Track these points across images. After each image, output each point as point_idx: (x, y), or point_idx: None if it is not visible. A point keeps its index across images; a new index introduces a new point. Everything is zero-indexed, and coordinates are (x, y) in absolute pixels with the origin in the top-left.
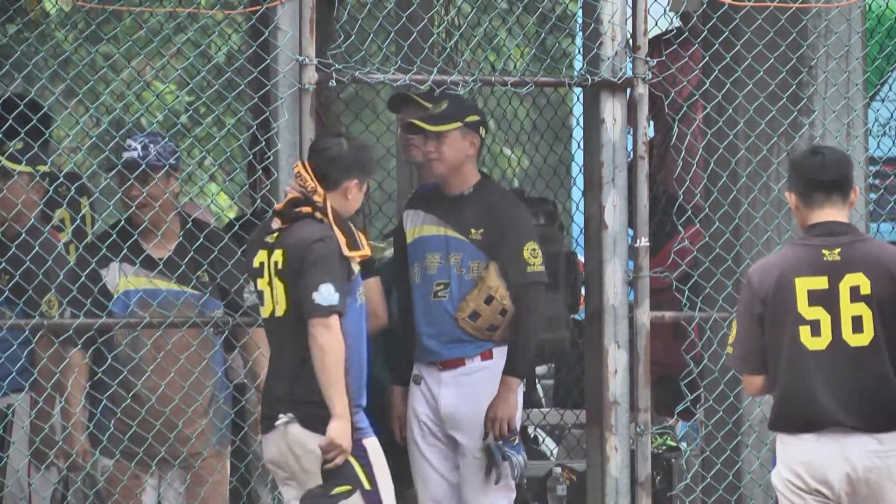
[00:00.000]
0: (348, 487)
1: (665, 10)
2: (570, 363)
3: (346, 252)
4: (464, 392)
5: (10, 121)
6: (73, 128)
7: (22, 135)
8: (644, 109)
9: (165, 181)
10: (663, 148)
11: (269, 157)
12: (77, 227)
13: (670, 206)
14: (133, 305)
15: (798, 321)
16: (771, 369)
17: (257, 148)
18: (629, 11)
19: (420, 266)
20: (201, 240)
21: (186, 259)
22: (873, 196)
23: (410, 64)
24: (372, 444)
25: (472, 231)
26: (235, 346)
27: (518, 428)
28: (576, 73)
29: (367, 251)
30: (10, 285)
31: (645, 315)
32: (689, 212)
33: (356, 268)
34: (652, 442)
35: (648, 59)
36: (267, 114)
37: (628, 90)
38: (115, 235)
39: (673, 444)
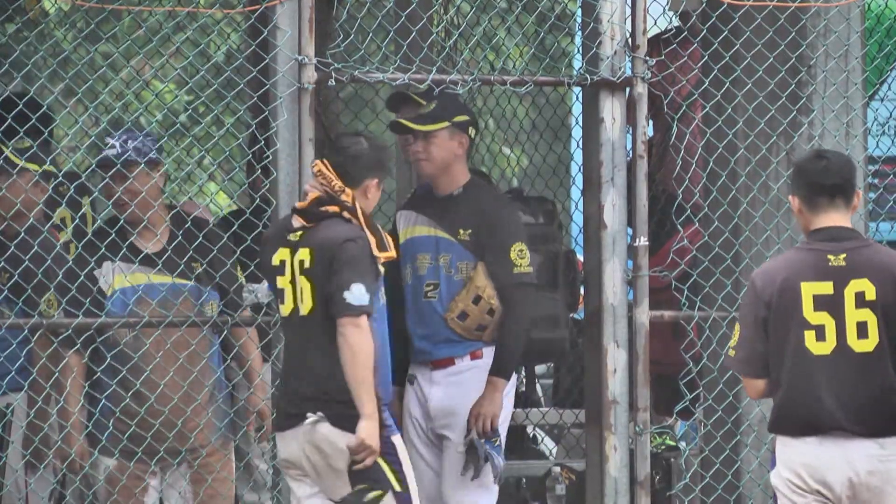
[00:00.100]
0: (380, 493)
1: (664, 9)
2: (569, 362)
3: (376, 252)
4: (452, 391)
5: (11, 120)
6: (72, 127)
7: (21, 133)
8: (643, 109)
9: (146, 176)
10: (662, 147)
11: (268, 157)
12: (77, 226)
13: (669, 206)
14: (132, 304)
15: (803, 326)
16: (773, 372)
17: (256, 147)
18: (628, 11)
19: (411, 267)
20: (188, 226)
21: (180, 251)
22: (872, 195)
23: (409, 63)
24: (399, 442)
25: (461, 231)
26: (235, 345)
27: (501, 429)
28: (575, 73)
29: (393, 253)
30: (9, 284)
31: (644, 314)
32: (689, 211)
33: (381, 268)
34: (651, 441)
35: (647, 58)
36: (266, 113)
37: (627, 89)
38: (108, 234)
39: (672, 443)
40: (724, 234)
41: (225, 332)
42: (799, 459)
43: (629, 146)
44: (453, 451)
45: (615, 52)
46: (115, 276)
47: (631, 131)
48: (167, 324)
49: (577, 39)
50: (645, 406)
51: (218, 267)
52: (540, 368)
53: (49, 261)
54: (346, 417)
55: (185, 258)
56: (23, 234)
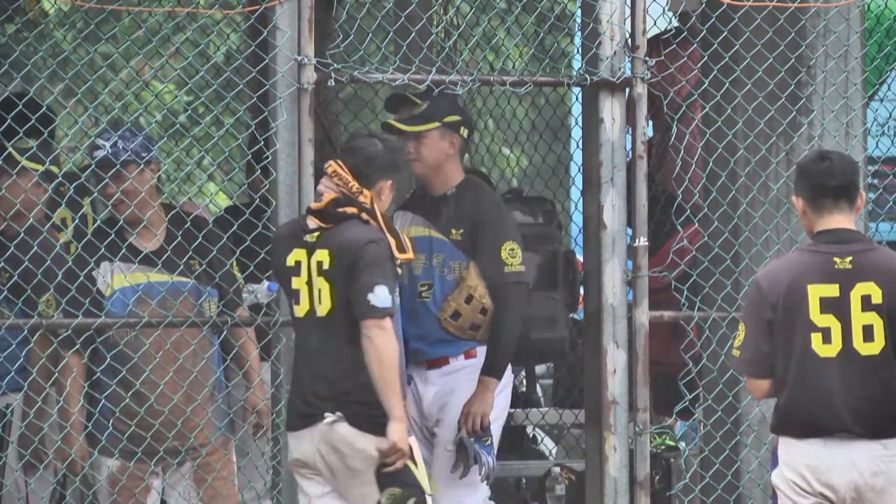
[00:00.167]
0: (414, 499)
1: (664, 9)
2: (569, 363)
3: (396, 254)
4: (446, 389)
5: (10, 121)
6: (71, 127)
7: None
8: (643, 109)
9: (139, 174)
10: (662, 147)
11: (267, 157)
12: (77, 227)
13: (669, 206)
14: (132, 304)
15: (810, 328)
16: (778, 373)
17: (256, 147)
18: (628, 11)
19: (407, 267)
20: (188, 226)
21: (179, 250)
22: (872, 196)
23: (409, 63)
24: (415, 442)
25: (453, 231)
26: (234, 345)
27: (493, 427)
28: (574, 73)
29: (412, 254)
30: (8, 284)
31: (644, 315)
32: (688, 211)
33: (399, 270)
34: (651, 441)
35: (647, 58)
36: (266, 113)
37: (627, 90)
38: (106, 234)
39: (672, 443)
40: (724, 235)
41: (224, 333)
42: (803, 461)
43: (629, 146)
44: (443, 448)
45: (615, 53)
46: (115, 276)
47: (630, 132)
48: (167, 324)
49: (577, 40)
50: (645, 406)
51: (217, 265)
52: (540, 368)
53: (49, 261)
54: (364, 417)
55: (185, 257)
56: (22, 234)
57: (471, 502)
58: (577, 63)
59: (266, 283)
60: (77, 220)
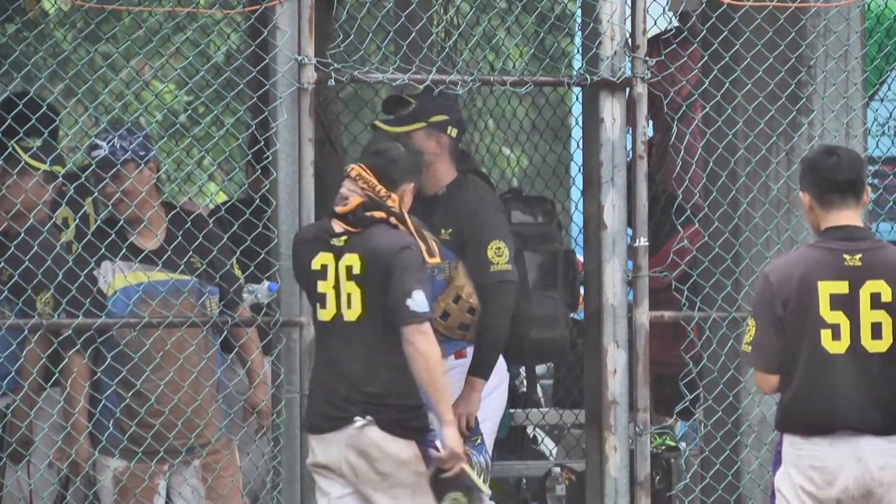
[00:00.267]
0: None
1: (664, 9)
2: (569, 363)
3: (426, 258)
4: None
5: (10, 121)
6: (72, 127)
7: (21, 133)
8: (643, 109)
9: (139, 175)
10: (662, 147)
11: (267, 157)
12: (78, 227)
13: (669, 206)
14: (132, 304)
15: (820, 324)
16: (786, 369)
17: (256, 147)
18: (628, 11)
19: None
20: (188, 226)
21: (179, 249)
22: (872, 196)
23: (409, 63)
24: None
25: (443, 231)
26: (235, 345)
27: (483, 427)
28: (575, 73)
29: (438, 259)
30: (9, 284)
31: (644, 315)
32: (688, 211)
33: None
34: (651, 442)
35: (647, 58)
36: (266, 113)
37: (627, 90)
38: (107, 234)
39: (672, 443)
40: (724, 235)
41: (225, 332)
42: (811, 463)
43: (629, 146)
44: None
45: (615, 53)
46: (116, 276)
47: (631, 131)
48: (168, 324)
49: (577, 40)
50: (645, 406)
51: (217, 264)
52: (540, 368)
53: (49, 261)
54: (395, 422)
55: (186, 256)
56: (23, 234)
57: None
58: (577, 63)
59: (266, 283)
60: (78, 220)
